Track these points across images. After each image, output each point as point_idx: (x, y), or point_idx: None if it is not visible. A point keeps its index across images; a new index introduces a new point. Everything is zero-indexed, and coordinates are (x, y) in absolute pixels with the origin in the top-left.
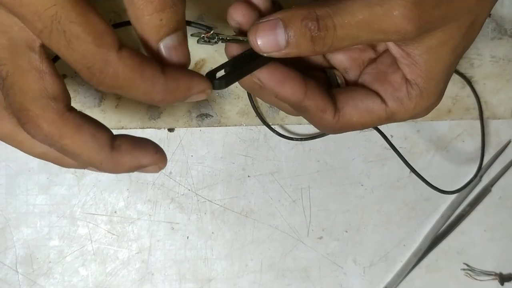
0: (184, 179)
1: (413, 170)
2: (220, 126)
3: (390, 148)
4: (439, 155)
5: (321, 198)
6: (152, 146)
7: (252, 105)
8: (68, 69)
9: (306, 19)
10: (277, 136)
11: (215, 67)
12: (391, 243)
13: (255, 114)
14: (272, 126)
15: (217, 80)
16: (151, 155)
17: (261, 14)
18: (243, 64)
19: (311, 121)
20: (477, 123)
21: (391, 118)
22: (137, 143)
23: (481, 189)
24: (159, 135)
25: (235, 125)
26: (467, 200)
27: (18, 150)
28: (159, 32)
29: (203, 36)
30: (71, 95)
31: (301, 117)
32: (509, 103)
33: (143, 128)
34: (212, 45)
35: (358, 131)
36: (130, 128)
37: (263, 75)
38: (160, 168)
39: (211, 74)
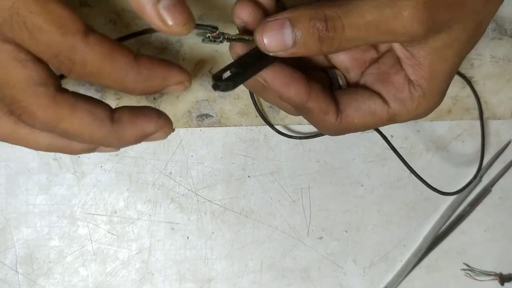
0: (184, 179)
1: (412, 171)
2: (220, 126)
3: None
4: (439, 155)
5: (321, 198)
6: (154, 112)
7: (253, 103)
8: None
9: (314, 19)
10: (277, 136)
11: (220, 68)
12: (391, 243)
13: (255, 114)
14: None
15: (224, 82)
16: (154, 121)
17: (266, 13)
18: (249, 64)
19: (313, 122)
20: (477, 123)
21: (393, 119)
22: (138, 112)
23: (481, 189)
24: None
25: (235, 125)
26: (467, 200)
27: (18, 150)
28: None
29: (209, 36)
30: None
31: (301, 117)
32: (509, 103)
33: None
34: (218, 44)
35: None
36: None
37: (268, 76)
38: (166, 133)
39: (218, 76)
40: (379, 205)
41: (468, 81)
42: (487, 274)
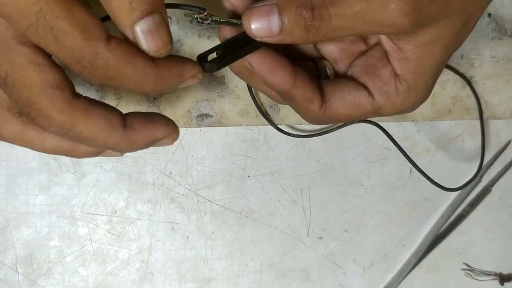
0: (184, 179)
1: (415, 166)
2: (220, 126)
3: (391, 147)
4: (439, 155)
5: (321, 198)
6: (163, 119)
7: (254, 102)
8: (66, 69)
9: (301, 7)
10: (277, 136)
11: (206, 50)
12: (391, 243)
13: (255, 114)
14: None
15: (208, 63)
16: (163, 127)
17: None
18: (235, 48)
19: (297, 110)
20: (477, 123)
21: (377, 112)
22: (149, 118)
23: (481, 189)
24: None
25: (235, 125)
26: (467, 200)
27: (18, 150)
28: (132, 16)
29: (197, 17)
30: None
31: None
32: (509, 103)
33: None
34: (206, 26)
35: (358, 131)
36: None
37: (254, 60)
38: (174, 139)
39: (202, 57)
40: (379, 205)
41: (468, 81)
42: (487, 274)
